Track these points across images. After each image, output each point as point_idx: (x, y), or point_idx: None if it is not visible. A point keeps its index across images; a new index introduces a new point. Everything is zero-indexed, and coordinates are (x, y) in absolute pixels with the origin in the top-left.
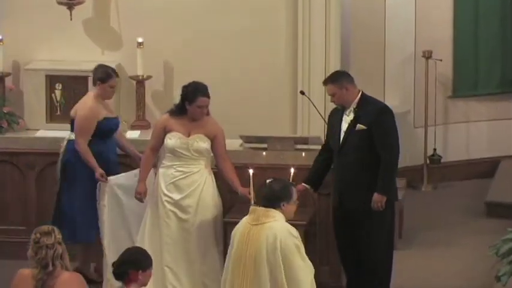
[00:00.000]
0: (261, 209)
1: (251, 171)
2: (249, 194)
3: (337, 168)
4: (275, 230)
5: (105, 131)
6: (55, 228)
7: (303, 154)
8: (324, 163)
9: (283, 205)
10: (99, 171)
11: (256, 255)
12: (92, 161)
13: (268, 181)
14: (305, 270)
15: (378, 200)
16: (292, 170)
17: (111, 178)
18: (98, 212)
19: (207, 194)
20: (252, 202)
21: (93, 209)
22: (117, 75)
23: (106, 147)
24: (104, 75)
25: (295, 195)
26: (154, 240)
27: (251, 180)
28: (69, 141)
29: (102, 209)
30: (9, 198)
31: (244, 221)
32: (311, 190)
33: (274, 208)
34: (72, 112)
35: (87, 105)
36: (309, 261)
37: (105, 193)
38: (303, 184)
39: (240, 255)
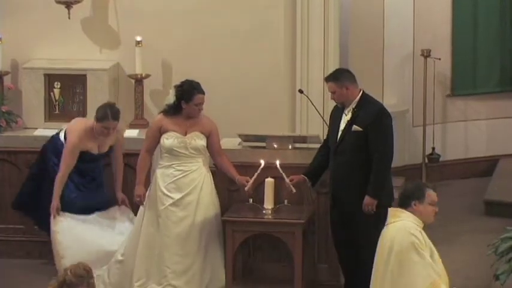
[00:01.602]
0: (392, 208)
1: (263, 162)
2: (247, 182)
3: (333, 166)
4: (395, 231)
5: (84, 161)
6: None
7: (295, 152)
8: (323, 158)
9: (415, 204)
10: (56, 204)
11: (382, 253)
12: (57, 191)
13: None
14: (421, 264)
15: (368, 203)
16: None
17: (67, 214)
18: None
19: (206, 192)
20: (246, 189)
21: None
22: (114, 119)
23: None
24: (100, 115)
25: (429, 197)
26: (152, 240)
27: (258, 171)
28: (59, 133)
29: (54, 236)
30: (7, 197)
31: None
32: (309, 183)
33: (405, 207)
34: (67, 127)
35: (77, 132)
36: (429, 260)
37: (58, 222)
38: (302, 175)
39: (376, 253)
